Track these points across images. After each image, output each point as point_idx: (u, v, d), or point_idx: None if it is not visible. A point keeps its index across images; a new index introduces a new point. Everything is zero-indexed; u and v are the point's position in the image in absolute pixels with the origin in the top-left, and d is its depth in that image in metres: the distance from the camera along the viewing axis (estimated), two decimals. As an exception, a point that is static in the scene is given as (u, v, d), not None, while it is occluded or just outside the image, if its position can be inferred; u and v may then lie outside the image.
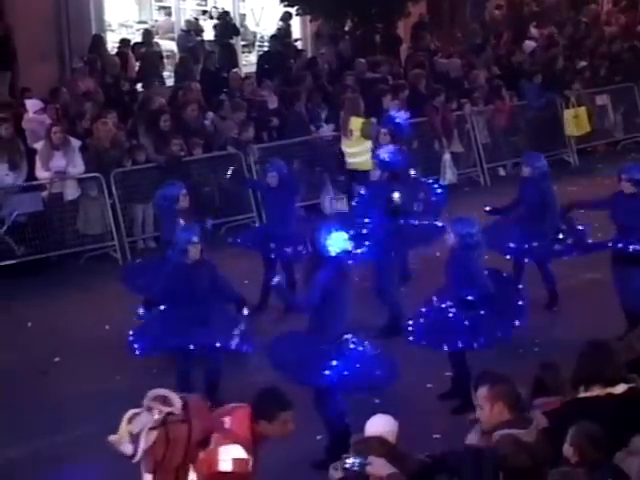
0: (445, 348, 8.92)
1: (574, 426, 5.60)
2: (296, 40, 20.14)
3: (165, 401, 5.81)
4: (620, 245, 9.99)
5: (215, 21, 20.20)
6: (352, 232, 9.25)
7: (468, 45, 19.77)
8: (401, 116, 12.97)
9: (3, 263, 12.68)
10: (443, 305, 8.94)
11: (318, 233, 8.06)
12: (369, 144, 13.95)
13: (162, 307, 9.15)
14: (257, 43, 21.54)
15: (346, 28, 19.31)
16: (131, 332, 9.12)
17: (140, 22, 20.64)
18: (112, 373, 9.81)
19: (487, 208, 11.26)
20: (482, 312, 8.79)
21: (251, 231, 12.50)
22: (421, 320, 9.11)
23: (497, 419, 5.53)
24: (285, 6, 19.56)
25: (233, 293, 9.15)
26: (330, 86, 16.70)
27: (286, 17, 19.84)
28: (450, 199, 12.19)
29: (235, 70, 17.57)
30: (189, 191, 10.52)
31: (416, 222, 11.16)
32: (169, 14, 21.00)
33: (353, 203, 12.72)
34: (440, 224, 10.95)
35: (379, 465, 5.36)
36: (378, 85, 16.04)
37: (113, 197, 13.48)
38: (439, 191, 12.24)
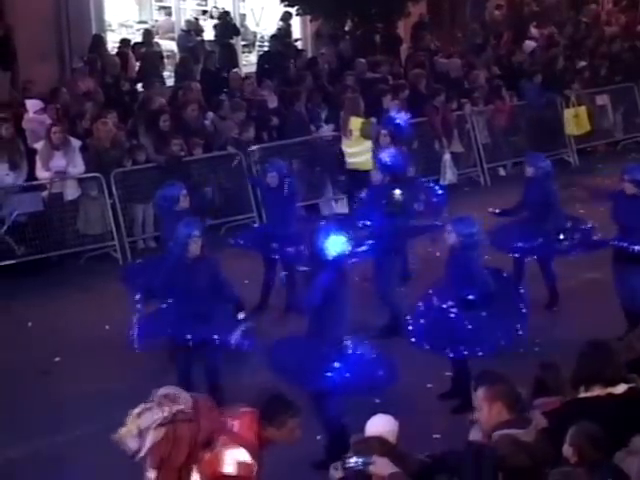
0: (450, 355, 8.92)
1: (574, 426, 5.60)
2: (296, 40, 20.14)
3: (175, 399, 5.82)
4: (625, 244, 10.00)
5: (215, 21, 20.20)
6: (352, 233, 9.24)
7: (468, 45, 19.77)
8: (401, 117, 12.98)
9: (3, 263, 12.68)
10: (444, 305, 8.94)
11: (317, 236, 8.05)
12: (369, 144, 13.95)
13: (162, 301, 9.15)
14: (257, 43, 21.55)
15: (346, 28, 19.31)
16: (133, 324, 9.08)
17: (140, 22, 20.64)
18: (112, 373, 9.81)
19: (495, 210, 11.27)
20: (483, 313, 8.80)
21: (251, 231, 12.48)
22: (422, 321, 9.09)
23: (496, 419, 5.53)
24: (285, 6, 19.56)
25: (232, 294, 9.10)
26: (330, 86, 16.70)
27: (286, 17, 19.84)
28: (450, 199, 12.18)
29: (235, 70, 17.57)
30: (189, 191, 10.53)
31: (416, 223, 11.19)
32: (169, 14, 21.01)
33: (354, 205, 12.71)
34: (440, 224, 10.94)
35: (382, 464, 5.37)
36: (378, 85, 16.04)
37: (113, 197, 13.47)
38: (440, 192, 12.24)
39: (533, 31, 20.84)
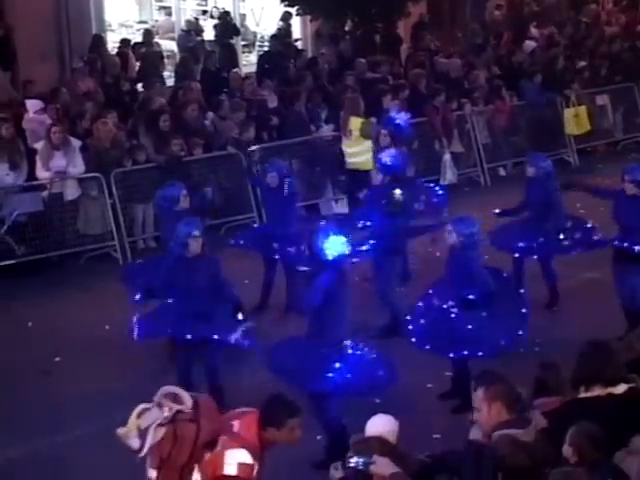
0: (451, 355, 8.92)
1: (573, 426, 5.60)
2: (296, 40, 20.14)
3: (176, 399, 5.81)
4: (625, 245, 10.01)
5: (215, 21, 20.20)
6: (352, 233, 9.25)
7: (468, 45, 19.77)
8: (401, 117, 12.98)
9: (3, 263, 12.67)
10: (444, 306, 8.94)
11: (316, 236, 8.05)
12: (369, 144, 13.95)
13: (162, 301, 9.15)
14: (257, 43, 21.54)
15: (346, 28, 19.30)
16: (134, 322, 9.08)
17: (140, 22, 20.64)
18: (112, 373, 9.81)
19: (496, 210, 11.28)
20: (484, 313, 8.80)
21: (252, 232, 12.46)
22: (422, 321, 9.09)
23: (495, 420, 5.53)
24: (285, 6, 19.56)
25: (232, 295, 9.08)
26: (330, 86, 16.70)
27: (286, 17, 19.84)
28: (450, 199, 12.18)
29: (235, 70, 17.57)
30: (189, 191, 10.53)
31: (416, 223, 11.19)
32: (169, 14, 21.01)
33: (354, 205, 12.70)
34: (441, 224, 10.95)
35: (383, 464, 5.37)
36: (378, 85, 16.04)
37: (113, 197, 13.48)
38: (440, 192, 12.25)
39: (533, 31, 20.83)
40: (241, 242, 11.50)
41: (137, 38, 18.99)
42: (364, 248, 10.54)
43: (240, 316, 8.84)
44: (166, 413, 5.77)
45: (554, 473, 5.28)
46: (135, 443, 5.74)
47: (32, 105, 14.09)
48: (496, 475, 5.23)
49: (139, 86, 16.68)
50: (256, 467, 5.86)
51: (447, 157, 15.92)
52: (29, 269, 12.75)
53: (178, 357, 9.16)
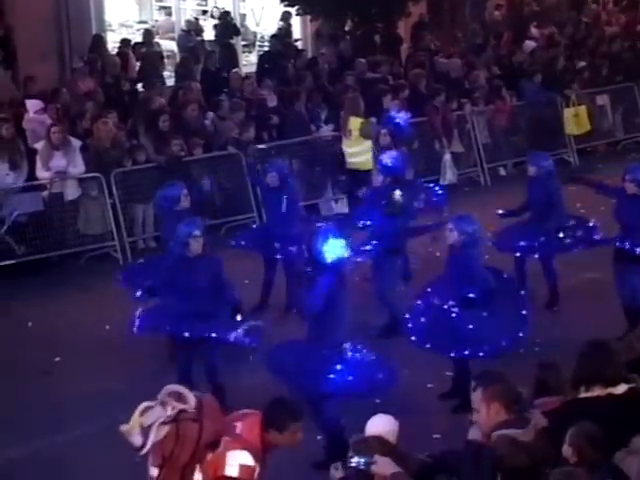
0: (452, 355, 8.92)
1: (573, 426, 5.60)
2: (296, 40, 20.13)
3: (180, 398, 5.81)
4: (627, 246, 10.01)
5: (215, 21, 20.20)
6: (352, 234, 9.25)
7: (468, 45, 19.76)
8: (401, 117, 12.98)
9: (3, 263, 12.67)
10: (445, 306, 8.93)
11: (315, 239, 8.04)
12: (369, 144, 13.95)
13: (162, 300, 9.15)
14: (257, 43, 21.54)
15: (346, 28, 19.30)
16: (135, 316, 9.08)
17: (140, 22, 20.63)
18: (112, 373, 9.80)
19: (500, 211, 11.28)
20: (485, 313, 8.81)
21: (252, 232, 12.44)
22: (422, 319, 9.09)
23: (494, 420, 5.53)
24: (285, 6, 19.56)
25: (232, 297, 9.07)
26: (330, 86, 16.70)
27: (286, 17, 19.84)
28: (450, 199, 12.19)
29: (235, 70, 17.57)
30: (189, 191, 10.52)
31: (417, 223, 11.21)
32: (169, 14, 21.00)
33: (354, 205, 12.70)
34: (441, 224, 10.95)
35: (384, 464, 5.37)
36: (378, 85, 16.04)
37: (113, 197, 13.48)
38: (440, 192, 12.26)
39: (533, 31, 20.83)
40: (242, 243, 11.49)
41: (137, 38, 18.98)
42: (367, 248, 10.54)
43: (239, 317, 8.82)
44: (169, 412, 5.76)
45: (554, 473, 5.28)
46: (137, 440, 5.73)
47: (32, 105, 14.09)
48: (495, 475, 5.23)
49: (139, 86, 16.68)
50: (257, 469, 5.85)
51: (447, 157, 15.92)
52: (29, 269, 12.75)
53: (178, 355, 9.16)
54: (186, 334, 8.79)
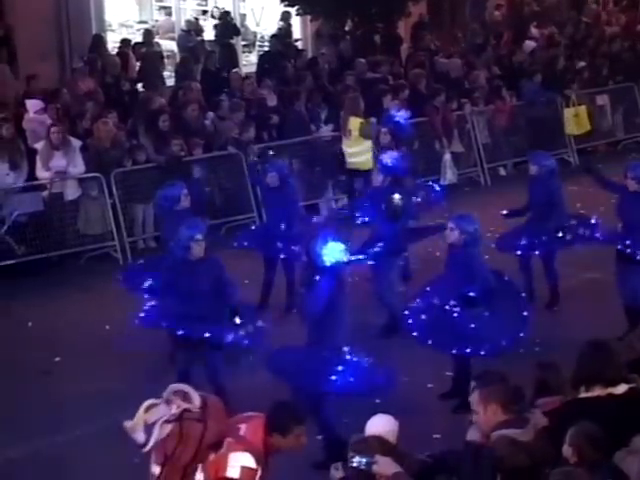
0: (454, 351, 8.92)
1: (573, 426, 5.60)
2: (296, 40, 20.13)
3: (185, 397, 5.80)
4: (628, 251, 10.03)
5: (215, 21, 20.20)
6: (352, 234, 9.25)
7: (468, 45, 19.77)
8: (401, 115, 12.98)
9: (3, 263, 12.67)
10: (447, 307, 8.93)
11: (314, 242, 8.03)
12: (369, 143, 13.96)
13: (163, 302, 9.14)
14: (257, 43, 21.54)
15: (346, 28, 19.30)
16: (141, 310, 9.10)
17: (140, 22, 20.63)
18: (112, 373, 9.80)
19: (503, 212, 11.28)
20: (486, 313, 8.81)
21: (253, 232, 12.43)
22: (423, 317, 9.08)
23: (493, 421, 5.54)
24: (285, 6, 19.56)
25: (233, 299, 9.01)
26: (330, 86, 16.70)
27: (286, 17, 19.84)
28: (450, 199, 12.20)
29: (235, 70, 17.57)
30: (189, 191, 10.52)
31: (416, 224, 11.22)
32: (169, 14, 21.00)
33: (354, 207, 12.69)
34: (441, 226, 10.95)
35: (385, 464, 5.38)
36: (378, 85, 16.05)
37: (113, 197, 13.48)
38: (437, 188, 12.27)
39: (533, 31, 20.83)
40: (245, 243, 11.47)
41: (137, 38, 18.98)
42: (370, 251, 10.55)
43: (237, 320, 8.78)
44: (174, 410, 5.76)
45: (554, 473, 5.28)
46: (141, 437, 5.73)
47: (32, 105, 14.09)
48: (495, 476, 5.23)
49: (139, 86, 16.69)
50: (259, 472, 5.85)
51: (447, 157, 15.92)
52: (29, 269, 12.75)
53: (178, 357, 9.15)
54: (180, 332, 8.76)
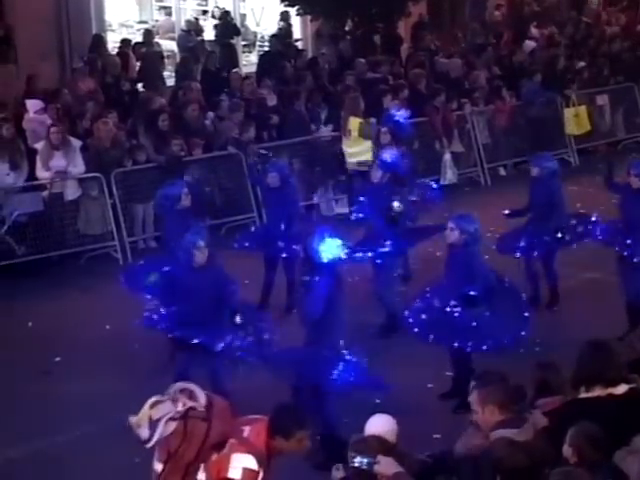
0: (455, 345, 8.91)
1: (573, 427, 5.60)
2: (296, 40, 20.14)
3: (191, 395, 5.80)
4: (627, 253, 10.04)
5: (215, 21, 20.21)
6: (350, 232, 9.25)
7: (468, 45, 19.78)
8: (401, 114, 12.97)
9: (3, 263, 12.67)
10: (447, 308, 8.93)
11: (312, 239, 8.03)
12: (369, 143, 13.96)
13: (165, 306, 9.13)
14: (258, 43, 21.54)
15: (346, 28, 19.31)
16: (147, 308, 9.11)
17: (141, 22, 20.64)
18: (112, 373, 9.80)
19: (505, 212, 11.28)
20: (487, 313, 8.82)
21: (253, 232, 12.42)
22: (423, 316, 9.08)
23: (491, 421, 5.54)
24: (285, 6, 19.57)
25: (232, 303, 8.97)
26: (330, 86, 16.71)
27: (286, 17, 19.85)
28: (450, 199, 12.21)
29: (236, 70, 17.58)
30: (189, 191, 10.52)
31: (416, 225, 11.23)
32: (169, 14, 21.00)
33: (353, 206, 12.70)
34: (441, 227, 10.95)
35: (386, 464, 5.38)
36: (378, 85, 16.06)
37: (114, 197, 13.48)
38: (434, 186, 12.29)
39: (533, 31, 20.84)
40: (246, 244, 11.46)
41: (137, 38, 18.98)
42: (370, 254, 10.55)
43: (238, 319, 8.76)
44: (179, 408, 5.76)
45: (554, 473, 5.28)
46: (144, 433, 5.72)
47: (32, 105, 14.09)
48: (495, 476, 5.23)
49: (139, 86, 16.69)
50: (261, 474, 5.84)
51: (447, 157, 15.93)
52: (29, 269, 12.75)
53: (177, 359, 9.14)
54: (175, 335, 8.75)
